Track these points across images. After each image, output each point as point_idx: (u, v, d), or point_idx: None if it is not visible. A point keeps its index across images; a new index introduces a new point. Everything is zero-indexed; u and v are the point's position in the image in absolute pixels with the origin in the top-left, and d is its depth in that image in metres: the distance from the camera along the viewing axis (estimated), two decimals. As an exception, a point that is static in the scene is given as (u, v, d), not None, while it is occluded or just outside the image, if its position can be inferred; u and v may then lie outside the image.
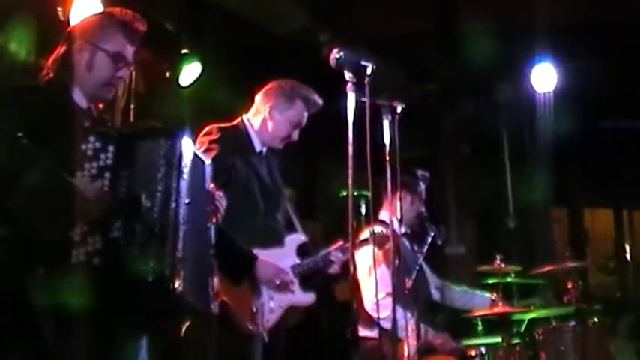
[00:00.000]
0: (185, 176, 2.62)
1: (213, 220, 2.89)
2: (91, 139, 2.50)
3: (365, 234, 4.08)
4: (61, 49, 2.78)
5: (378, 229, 3.99)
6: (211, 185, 2.88)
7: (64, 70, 2.73)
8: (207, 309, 2.79)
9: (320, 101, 3.89)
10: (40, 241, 2.41)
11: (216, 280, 2.86)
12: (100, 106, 2.83)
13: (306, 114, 3.87)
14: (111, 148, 2.51)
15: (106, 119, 2.84)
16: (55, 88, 2.71)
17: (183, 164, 2.62)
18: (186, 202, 2.61)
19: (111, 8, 2.92)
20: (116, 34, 2.77)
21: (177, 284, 2.54)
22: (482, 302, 4.66)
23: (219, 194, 2.94)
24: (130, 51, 2.80)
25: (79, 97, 2.75)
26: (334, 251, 3.83)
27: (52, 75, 2.74)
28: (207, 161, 2.87)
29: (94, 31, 2.78)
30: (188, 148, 2.69)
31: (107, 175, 2.49)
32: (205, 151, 3.58)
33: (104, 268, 2.41)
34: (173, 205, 2.55)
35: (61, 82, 2.72)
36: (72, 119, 2.59)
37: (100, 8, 4.35)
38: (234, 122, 3.91)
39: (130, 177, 2.51)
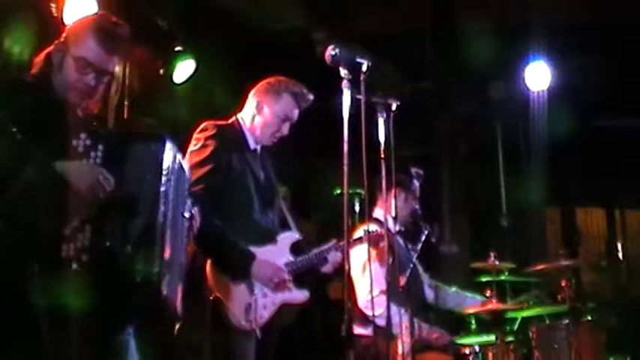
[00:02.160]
0: (172, 180, 2.62)
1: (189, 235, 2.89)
2: (82, 135, 2.50)
3: (359, 232, 4.08)
4: (49, 47, 2.76)
5: (372, 227, 3.99)
6: (188, 201, 2.86)
7: (45, 67, 2.72)
8: (175, 312, 2.77)
9: (310, 95, 3.87)
10: (35, 236, 2.40)
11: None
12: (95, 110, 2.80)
13: (296, 109, 3.85)
14: (101, 147, 2.50)
15: (94, 119, 2.80)
16: (40, 84, 2.69)
17: (170, 168, 2.62)
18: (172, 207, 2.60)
19: (102, 12, 2.88)
20: (87, 40, 2.68)
21: (163, 287, 2.54)
22: (473, 304, 4.65)
23: (195, 210, 2.92)
24: (104, 58, 2.69)
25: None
26: (328, 249, 3.83)
27: (36, 71, 2.73)
28: (187, 169, 2.86)
29: (70, 34, 2.75)
30: (174, 153, 2.68)
31: None
32: (202, 147, 3.60)
33: (92, 266, 2.39)
34: (162, 207, 2.55)
35: (45, 78, 2.70)
36: (61, 114, 2.58)
37: (94, 5, 4.35)
38: (230, 120, 3.91)
39: (119, 177, 2.49)
